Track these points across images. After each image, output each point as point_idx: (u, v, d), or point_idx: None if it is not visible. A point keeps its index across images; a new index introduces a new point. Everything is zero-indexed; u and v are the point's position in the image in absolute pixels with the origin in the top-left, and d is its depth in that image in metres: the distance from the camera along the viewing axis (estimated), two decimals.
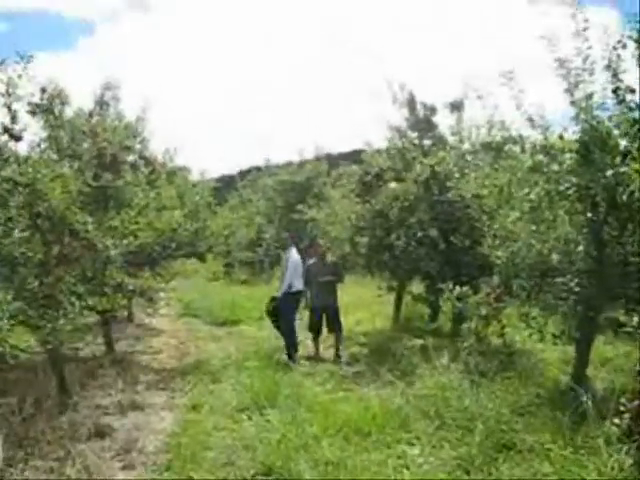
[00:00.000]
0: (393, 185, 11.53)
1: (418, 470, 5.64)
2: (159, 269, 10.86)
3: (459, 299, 8.50)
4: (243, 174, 33.62)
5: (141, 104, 10.81)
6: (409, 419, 6.90)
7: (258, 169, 30.91)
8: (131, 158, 9.68)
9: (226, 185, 33.28)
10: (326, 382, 9.09)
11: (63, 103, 9.96)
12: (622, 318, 5.72)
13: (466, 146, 11.11)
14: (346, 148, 22.07)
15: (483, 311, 8.02)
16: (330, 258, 12.06)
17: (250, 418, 7.31)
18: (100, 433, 6.58)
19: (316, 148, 27.37)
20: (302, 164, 26.61)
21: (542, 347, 9.70)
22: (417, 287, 13.26)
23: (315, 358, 11.14)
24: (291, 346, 10.57)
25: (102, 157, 8.33)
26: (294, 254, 10.90)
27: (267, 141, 74.76)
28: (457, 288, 8.75)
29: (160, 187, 9.48)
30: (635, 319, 5.41)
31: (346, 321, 13.85)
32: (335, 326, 11.46)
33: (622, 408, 5.09)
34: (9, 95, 6.82)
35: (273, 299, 10.92)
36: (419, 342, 11.66)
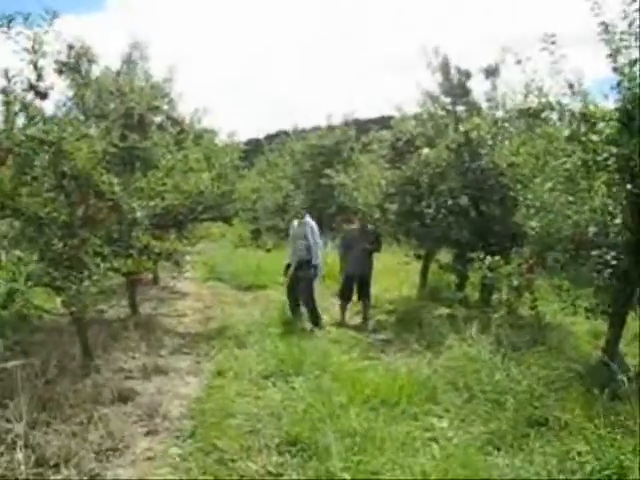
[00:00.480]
0: (426, 151, 11.28)
1: (447, 444, 5.50)
2: (186, 232, 10.77)
3: (490, 269, 8.29)
4: (270, 138, 33.27)
5: (168, 64, 10.63)
6: (437, 391, 6.76)
7: (285, 133, 30.50)
8: (158, 119, 9.55)
9: (253, 149, 33.08)
10: (352, 350, 8.98)
11: (90, 61, 9.82)
12: None
13: (500, 113, 10.81)
14: (375, 114, 21.71)
15: (515, 282, 7.81)
16: (370, 226, 11.91)
17: (275, 385, 7.22)
18: (123, 397, 6.50)
19: (345, 114, 26.94)
20: (330, 129, 26.27)
21: (572, 320, 9.52)
22: (445, 256, 13.04)
23: (341, 324, 11.06)
24: (316, 314, 10.49)
25: (129, 117, 8.19)
26: (313, 224, 10.71)
27: (295, 106, 74.13)
28: (488, 258, 8.55)
29: (188, 148, 9.31)
30: None
31: (373, 288, 13.82)
32: (365, 293, 11.46)
33: None
34: (35, 52, 6.63)
35: (289, 267, 10.80)
36: (446, 311, 11.51)
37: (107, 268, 6.75)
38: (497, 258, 8.47)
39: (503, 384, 6.45)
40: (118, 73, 10.09)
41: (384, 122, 17.26)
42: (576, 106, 7.53)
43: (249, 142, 35.26)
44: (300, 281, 10.55)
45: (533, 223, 8.09)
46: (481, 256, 8.68)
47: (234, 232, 16.07)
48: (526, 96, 8.11)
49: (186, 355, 8.56)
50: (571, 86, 7.50)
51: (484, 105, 11.40)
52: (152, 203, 7.04)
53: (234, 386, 7.09)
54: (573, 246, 7.58)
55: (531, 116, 7.87)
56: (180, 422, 6.04)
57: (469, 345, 7.56)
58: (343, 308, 11.42)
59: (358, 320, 11.38)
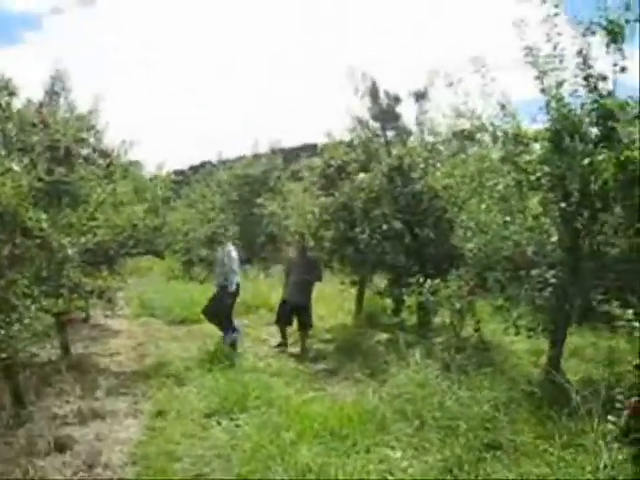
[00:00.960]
0: (362, 176, 11.25)
1: (403, 475, 5.36)
2: (117, 267, 10.39)
3: (431, 292, 8.26)
4: (195, 169, 32.89)
5: (93, 94, 10.30)
6: (387, 420, 6.61)
7: (210, 164, 30.21)
8: (85, 152, 9.22)
9: (179, 181, 32.66)
10: (295, 382, 8.79)
11: (11, 94, 9.42)
12: (617, 311, 5.47)
13: (431, 137, 10.88)
14: (302, 141, 21.70)
15: (457, 305, 7.79)
16: (308, 254, 11.77)
17: (219, 423, 6.97)
18: (60, 446, 6.11)
19: (270, 142, 26.87)
20: (256, 157, 26.15)
21: (511, 340, 9.58)
22: (379, 281, 12.97)
23: (283, 345, 11.28)
24: (230, 329, 10.78)
25: (55, 150, 7.85)
26: (233, 250, 11.00)
27: (218, 137, 73.33)
28: (428, 281, 8.53)
29: (116, 182, 8.99)
30: (629, 312, 5.18)
31: None
32: (303, 322, 11.35)
33: (618, 405, 4.85)
34: None
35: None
36: (385, 336, 11.46)
37: (37, 309, 6.40)
38: (437, 281, 8.46)
39: (454, 409, 6.34)
40: (41, 104, 9.71)
41: (311, 150, 17.21)
42: (508, 127, 7.62)
43: (175, 174, 34.80)
44: (218, 304, 10.84)
45: (471, 244, 8.12)
46: (420, 280, 8.66)
47: (165, 265, 15.67)
48: (457, 118, 8.17)
49: (123, 396, 8.17)
50: (503, 107, 7.58)
51: (414, 129, 11.37)
52: (83, 239, 6.71)
53: (177, 427, 6.79)
54: (512, 266, 7.61)
55: (465, 138, 7.93)
56: (123, 470, 5.72)
57: (415, 371, 7.44)
58: (283, 331, 11.43)
59: (295, 349, 11.18)
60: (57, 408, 7.45)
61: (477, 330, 7.94)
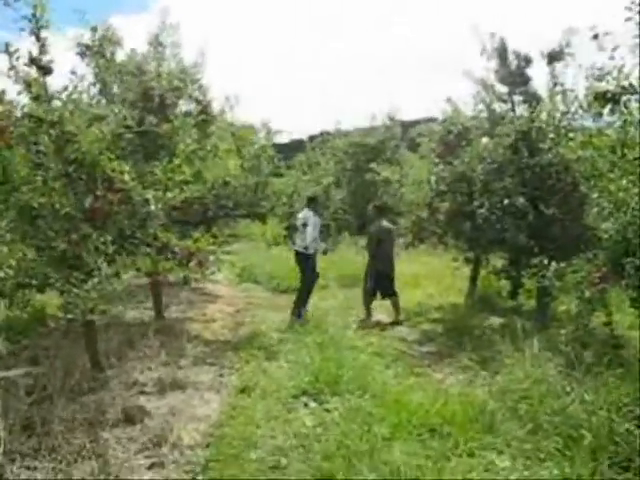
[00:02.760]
0: (485, 140, 10.24)
1: None
2: (216, 230, 9.88)
3: (557, 277, 7.25)
4: (313, 139, 32.30)
5: (199, 46, 9.74)
6: (496, 419, 5.74)
7: (328, 134, 29.52)
8: (184, 104, 8.67)
9: (295, 149, 32.16)
10: (395, 364, 8.02)
11: (115, 45, 9.03)
12: None
13: (563, 103, 9.69)
14: (421, 115, 20.51)
15: (587, 293, 6.74)
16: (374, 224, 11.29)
17: (307, 406, 6.29)
18: (130, 418, 5.59)
19: (389, 113, 25.84)
20: (374, 127, 25.29)
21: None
22: (495, 261, 11.92)
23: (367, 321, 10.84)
24: (305, 303, 10.58)
25: (149, 99, 7.32)
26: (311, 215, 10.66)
27: (338, 109, 72.29)
28: (553, 264, 7.51)
29: (210, 135, 8.38)
30: None
31: (417, 294, 12.91)
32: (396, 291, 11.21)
33: None
34: (36, 20, 5.77)
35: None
36: (499, 321, 10.50)
37: (116, 269, 5.90)
38: (562, 265, 7.44)
39: (577, 415, 5.39)
40: (144, 56, 9.24)
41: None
42: None
43: (291, 143, 34.44)
44: (302, 270, 10.74)
45: (606, 225, 7.04)
46: (544, 262, 7.66)
47: (268, 230, 15.14)
48: (600, 79, 7.06)
49: (209, 366, 7.64)
50: None
51: (546, 94, 10.13)
52: (169, 195, 6.14)
53: (260, 407, 6.16)
54: None
55: (608, 101, 6.80)
56: (192, 452, 5.11)
57: (532, 365, 6.50)
58: (369, 304, 11.13)
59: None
60: (137, 374, 6.98)
61: (608, 323, 6.88)
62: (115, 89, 8.63)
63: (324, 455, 4.91)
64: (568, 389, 5.82)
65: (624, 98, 6.70)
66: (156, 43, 9.52)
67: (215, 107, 9.58)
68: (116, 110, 6.51)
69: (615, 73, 6.85)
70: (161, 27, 9.49)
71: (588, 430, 5.10)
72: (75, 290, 5.16)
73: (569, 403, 5.59)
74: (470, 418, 5.68)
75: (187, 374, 7.15)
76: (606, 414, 5.27)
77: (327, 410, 6.11)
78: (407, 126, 25.77)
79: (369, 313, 11.06)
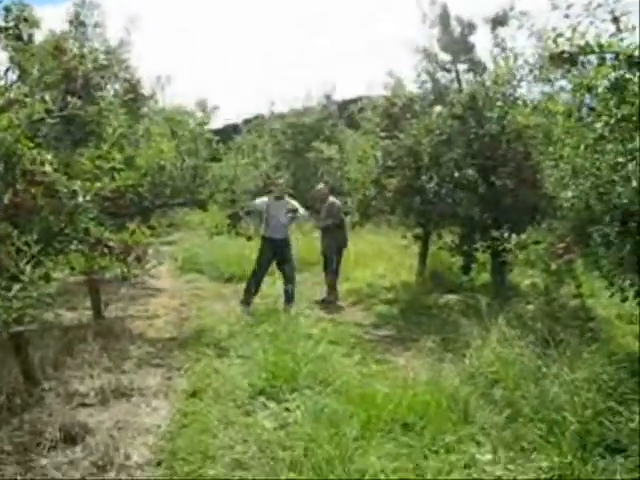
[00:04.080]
0: (438, 109, 9.83)
1: None
2: (153, 221, 9.25)
3: (519, 248, 6.89)
4: (248, 122, 31.57)
5: (126, 21, 9.06)
6: (470, 407, 5.33)
7: (263, 117, 28.85)
8: (111, 85, 8.00)
9: (230, 134, 31.43)
10: (354, 351, 7.58)
11: (32, 26, 8.27)
12: None
13: (509, 65, 9.30)
14: (356, 94, 19.92)
15: (553, 265, 6.39)
16: (329, 201, 11.11)
17: (265, 407, 5.76)
18: (70, 437, 4.96)
19: (324, 92, 25.29)
20: (309, 108, 24.76)
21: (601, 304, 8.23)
22: (446, 236, 11.56)
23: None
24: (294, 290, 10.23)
25: (71, 81, 6.65)
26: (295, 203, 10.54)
27: (270, 92, 70.80)
28: (513, 236, 7.16)
29: (141, 117, 7.77)
30: None
31: (367, 274, 12.56)
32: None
33: None
34: None
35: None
36: (454, 298, 10.20)
37: (44, 270, 5.27)
38: (524, 236, 7.09)
39: (557, 397, 5.02)
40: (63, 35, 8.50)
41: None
42: (623, 47, 6.10)
43: (226, 128, 33.61)
44: (286, 259, 10.31)
45: (568, 193, 6.70)
46: (504, 234, 7.31)
47: (211, 219, 14.47)
48: (555, 40, 6.67)
49: (155, 368, 7.03)
50: (615, 21, 6.08)
51: (491, 60, 9.76)
52: (99, 184, 5.50)
53: (214, 412, 5.57)
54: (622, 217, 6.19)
55: (564, 62, 6.42)
56: (143, 472, 4.55)
57: (501, 344, 6.12)
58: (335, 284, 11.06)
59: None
60: (77, 384, 6.32)
61: (579, 296, 6.56)
62: (35, 73, 7.91)
63: (291, 465, 4.41)
64: (544, 369, 5.45)
65: (581, 59, 6.34)
66: (77, 22, 8.81)
67: (145, 88, 8.99)
68: (32, 93, 5.82)
69: (569, 33, 6.49)
70: (80, 3, 8.77)
71: (572, 413, 4.73)
72: None
73: (547, 384, 5.21)
74: (442, 408, 5.25)
75: (132, 379, 6.53)
76: (588, 394, 4.91)
77: (287, 409, 5.61)
78: (345, 105, 25.39)
79: (336, 293, 10.99)
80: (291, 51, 79.42)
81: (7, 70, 8.15)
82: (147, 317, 9.65)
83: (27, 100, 5.45)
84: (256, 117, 29.65)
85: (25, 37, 8.18)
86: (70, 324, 8.81)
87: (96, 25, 9.26)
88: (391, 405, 5.24)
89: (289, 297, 10.02)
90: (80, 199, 5.26)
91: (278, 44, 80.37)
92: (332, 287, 10.92)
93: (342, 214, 11.25)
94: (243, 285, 10.57)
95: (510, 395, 5.35)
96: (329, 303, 10.70)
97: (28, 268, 4.63)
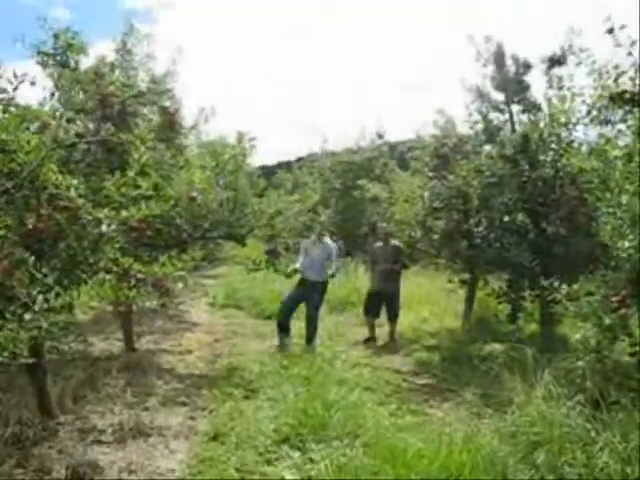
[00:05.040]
0: (487, 149, 9.47)
1: None
2: (191, 253, 9.01)
3: (569, 299, 6.45)
4: (300, 160, 31.64)
5: (173, 51, 8.94)
6: (508, 470, 4.88)
7: (314, 155, 28.77)
8: (150, 114, 7.85)
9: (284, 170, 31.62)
10: (389, 399, 7.20)
11: (79, 53, 8.22)
12: None
13: (570, 111, 8.89)
14: (408, 136, 19.64)
15: (606, 319, 5.93)
16: (392, 242, 10.87)
17: (288, 456, 5.41)
18: (77, 478, 4.68)
19: (377, 131, 25.02)
20: (362, 147, 24.54)
21: None
22: (493, 282, 11.12)
23: (371, 341, 10.85)
24: (315, 332, 9.98)
25: (107, 105, 6.49)
26: (334, 246, 10.38)
27: (324, 129, 70.88)
28: (563, 286, 6.73)
29: (179, 148, 7.59)
30: None
31: (411, 318, 12.14)
32: (394, 313, 11.07)
33: None
34: None
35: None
36: (499, 347, 9.69)
37: (66, 300, 5.04)
38: (575, 287, 6.65)
39: (606, 466, 4.56)
40: (112, 65, 8.42)
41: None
42: None
43: (279, 165, 33.70)
44: (313, 293, 10.01)
45: (625, 243, 6.25)
46: (554, 284, 6.87)
47: (251, 253, 14.25)
48: (616, 79, 6.31)
49: (179, 407, 6.73)
50: None
51: (546, 101, 9.32)
52: (125, 213, 5.27)
53: (233, 458, 5.26)
54: None
55: (626, 102, 6.04)
56: None
57: (547, 403, 5.65)
58: (371, 325, 11.03)
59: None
60: (96, 419, 6.06)
61: (634, 354, 6.05)
62: (78, 98, 7.84)
63: None
64: (593, 434, 4.98)
65: None
66: (123, 51, 8.72)
67: (187, 119, 8.86)
68: (61, 116, 5.66)
69: (632, 72, 6.13)
70: (128, 32, 8.70)
71: None
72: (9, 326, 4.30)
73: (596, 452, 4.74)
74: (478, 469, 4.82)
75: (153, 417, 6.26)
76: None
77: (312, 460, 5.25)
78: (394, 147, 25.17)
79: (371, 332, 11.02)
80: (342, 89, 79.92)
81: (52, 95, 8.11)
82: (179, 352, 9.40)
83: (52, 123, 5.28)
84: (309, 156, 29.66)
85: (72, 64, 8.15)
86: (99, 355, 8.61)
87: (148, 55, 9.18)
88: (422, 464, 4.83)
89: (308, 339, 9.84)
90: (104, 227, 5.03)
91: (330, 81, 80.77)
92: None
93: (375, 259, 11.15)
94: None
95: (553, 460, 4.87)
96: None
97: (40, 297, 4.39)
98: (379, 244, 11.08)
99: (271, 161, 36.36)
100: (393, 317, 11.04)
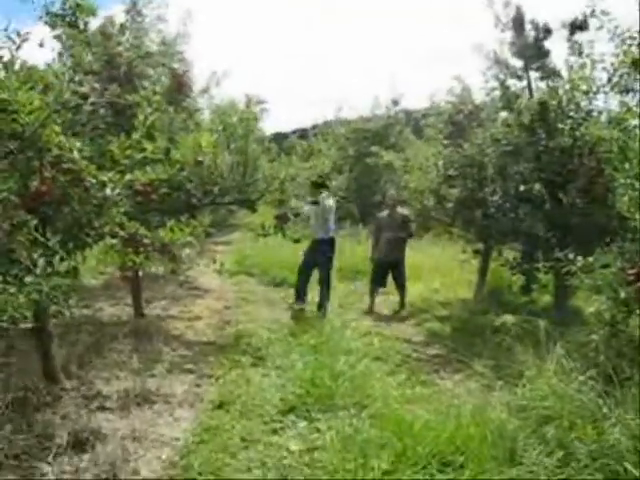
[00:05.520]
0: (504, 115, 9.24)
1: None
2: (201, 219, 8.88)
3: (584, 271, 6.29)
4: (315, 127, 31.30)
5: (183, 12, 8.74)
6: (517, 445, 4.78)
7: (329, 123, 28.43)
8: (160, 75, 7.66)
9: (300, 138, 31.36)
10: (399, 369, 7.12)
11: (89, 14, 8.05)
12: None
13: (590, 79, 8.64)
14: (425, 104, 19.22)
15: (622, 293, 5.78)
16: (400, 211, 10.83)
17: (294, 425, 5.34)
18: (79, 444, 4.62)
19: (392, 98, 24.62)
20: (377, 115, 24.20)
21: None
22: (507, 253, 10.96)
23: (371, 311, 10.72)
24: (325, 296, 9.94)
25: (114, 66, 6.33)
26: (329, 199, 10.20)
27: (339, 97, 70.10)
28: (579, 258, 6.56)
29: (190, 112, 7.42)
30: None
31: (420, 288, 12.03)
32: (399, 281, 11.06)
33: None
34: None
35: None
36: (511, 319, 9.53)
37: (70, 263, 4.96)
38: (591, 259, 6.49)
39: (618, 443, 4.44)
40: (121, 26, 8.23)
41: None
42: None
43: (295, 131, 33.37)
44: (317, 253, 9.95)
45: None
46: (569, 255, 6.71)
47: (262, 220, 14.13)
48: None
49: (186, 374, 6.67)
50: None
51: (566, 68, 9.05)
52: (129, 176, 5.15)
53: (238, 426, 5.21)
54: None
55: None
56: None
57: (558, 377, 5.52)
58: (373, 295, 10.95)
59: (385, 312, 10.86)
60: (101, 385, 6.02)
61: None
62: (86, 60, 7.69)
63: None
64: (605, 410, 4.86)
65: None
66: (134, 11, 8.54)
67: (199, 82, 8.68)
68: (66, 76, 5.52)
69: None
70: None
71: (635, 465, 4.16)
72: (10, 289, 4.22)
73: (607, 427, 4.62)
74: (487, 444, 4.72)
75: (159, 384, 6.20)
76: None
77: (318, 430, 5.18)
78: (410, 114, 24.82)
79: (370, 302, 10.92)
80: (359, 57, 78.78)
81: (60, 55, 7.99)
82: (188, 318, 9.34)
83: (55, 82, 5.13)
84: (324, 123, 29.33)
85: (82, 25, 7.98)
86: (108, 320, 8.57)
87: (159, 18, 8.99)
88: (430, 436, 4.74)
89: (319, 304, 9.84)
90: (108, 191, 4.92)
91: (347, 50, 79.63)
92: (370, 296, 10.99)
93: (382, 227, 11.06)
94: (293, 290, 10.22)
95: (564, 435, 4.75)
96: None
97: (41, 260, 4.30)
98: (385, 212, 11.05)
99: (287, 129, 36.06)
100: (401, 285, 11.03)
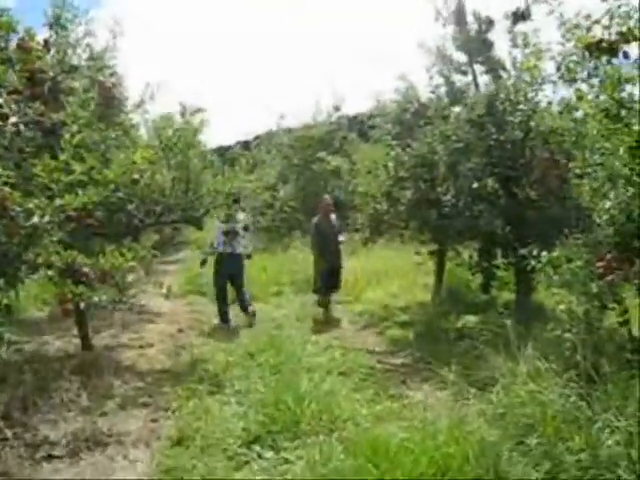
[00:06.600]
0: (457, 110, 9.01)
1: None
2: (145, 240, 8.46)
3: (554, 266, 6.02)
4: (258, 139, 30.91)
5: (112, 22, 8.25)
6: (501, 459, 4.44)
7: (271, 132, 28.08)
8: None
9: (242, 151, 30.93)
10: (365, 384, 6.79)
11: (9, 30, 7.52)
12: None
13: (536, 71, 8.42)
14: (366, 108, 18.98)
15: (594, 287, 5.51)
16: (332, 216, 11.07)
17: (260, 457, 4.94)
18: None
19: (334, 104, 24.36)
20: (319, 121, 23.96)
21: None
22: (463, 251, 10.73)
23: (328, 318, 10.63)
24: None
25: (36, 83, 5.84)
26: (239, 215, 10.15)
27: (278, 106, 69.47)
28: (544, 253, 6.30)
29: (123, 128, 6.98)
30: None
31: (379, 294, 11.81)
32: (338, 284, 11.27)
33: None
34: None
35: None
36: (473, 319, 9.29)
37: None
38: (556, 253, 6.23)
39: (609, 450, 4.14)
40: (46, 42, 7.70)
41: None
42: None
43: (237, 144, 32.87)
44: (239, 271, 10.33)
45: (607, 203, 5.85)
46: (532, 251, 6.46)
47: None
48: (589, 28, 5.85)
49: (140, 409, 6.19)
50: None
51: (510, 59, 8.86)
52: (58, 201, 4.68)
53: (200, 465, 4.78)
54: None
55: (603, 52, 5.59)
56: None
57: (534, 380, 5.22)
58: (327, 301, 10.94)
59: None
60: (47, 429, 5.53)
61: (624, 323, 5.67)
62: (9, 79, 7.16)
63: None
64: (590, 413, 4.57)
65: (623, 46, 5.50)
66: (57, 27, 8.03)
67: (133, 97, 8.21)
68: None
69: (606, 20, 5.68)
70: (60, 6, 7.98)
71: (629, 472, 3.87)
72: None
73: (596, 433, 4.33)
74: (468, 461, 4.38)
75: (111, 423, 5.73)
76: None
77: (286, 461, 4.80)
78: (352, 121, 24.69)
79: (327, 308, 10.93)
80: (297, 61, 78.42)
81: None
82: (140, 346, 8.82)
83: None
84: (267, 133, 28.95)
85: (2, 43, 7.46)
86: (54, 355, 8.03)
87: (87, 33, 8.49)
88: (408, 459, 4.38)
89: (245, 305, 10.32)
90: (36, 219, 4.46)
91: (284, 54, 79.12)
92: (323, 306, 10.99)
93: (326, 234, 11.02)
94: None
95: (549, 445, 4.45)
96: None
97: None
98: (319, 219, 11.04)
99: (229, 141, 35.53)
100: (338, 287, 11.27)
